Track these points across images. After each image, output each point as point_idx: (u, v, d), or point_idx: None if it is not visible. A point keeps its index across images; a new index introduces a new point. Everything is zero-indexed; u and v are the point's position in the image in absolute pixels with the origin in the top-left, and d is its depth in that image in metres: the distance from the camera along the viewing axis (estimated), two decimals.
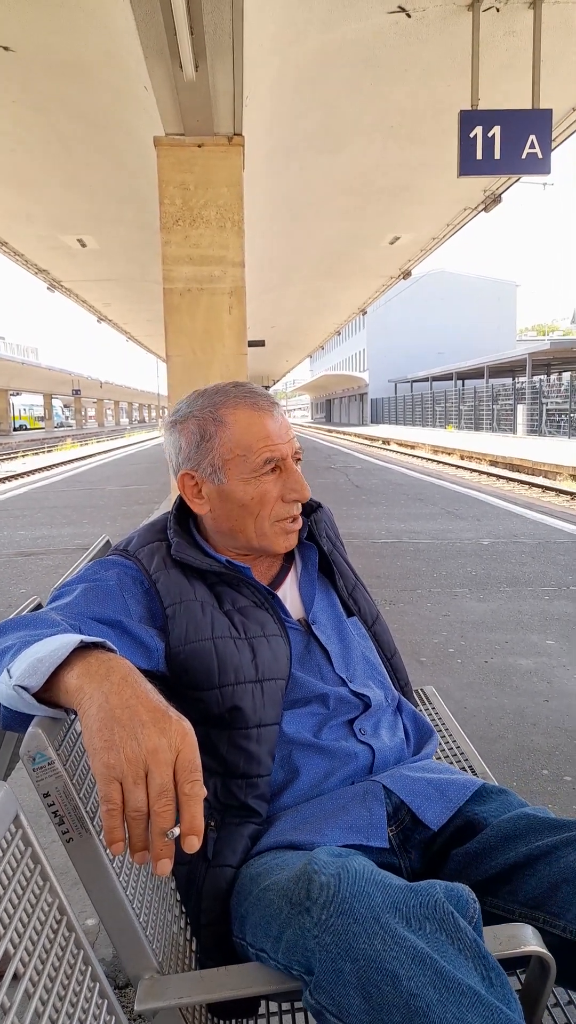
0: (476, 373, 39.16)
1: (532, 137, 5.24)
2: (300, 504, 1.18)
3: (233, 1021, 0.96)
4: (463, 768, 1.47)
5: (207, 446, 1.16)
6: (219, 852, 1.00)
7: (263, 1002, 1.01)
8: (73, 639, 0.83)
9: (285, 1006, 1.03)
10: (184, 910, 0.99)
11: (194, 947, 0.96)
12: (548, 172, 5.36)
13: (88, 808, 0.80)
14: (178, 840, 0.71)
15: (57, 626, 0.93)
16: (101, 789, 0.71)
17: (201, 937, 0.97)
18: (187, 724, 0.76)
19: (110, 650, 0.85)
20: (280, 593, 1.21)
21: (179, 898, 0.99)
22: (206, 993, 0.79)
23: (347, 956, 0.69)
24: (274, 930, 0.81)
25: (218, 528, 1.19)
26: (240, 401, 1.16)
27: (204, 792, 0.73)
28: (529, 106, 5.35)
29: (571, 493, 13.34)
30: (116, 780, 0.70)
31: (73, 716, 0.85)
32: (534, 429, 27.23)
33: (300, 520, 1.20)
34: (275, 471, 1.15)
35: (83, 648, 0.83)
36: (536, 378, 29.89)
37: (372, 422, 59.18)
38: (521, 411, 28.17)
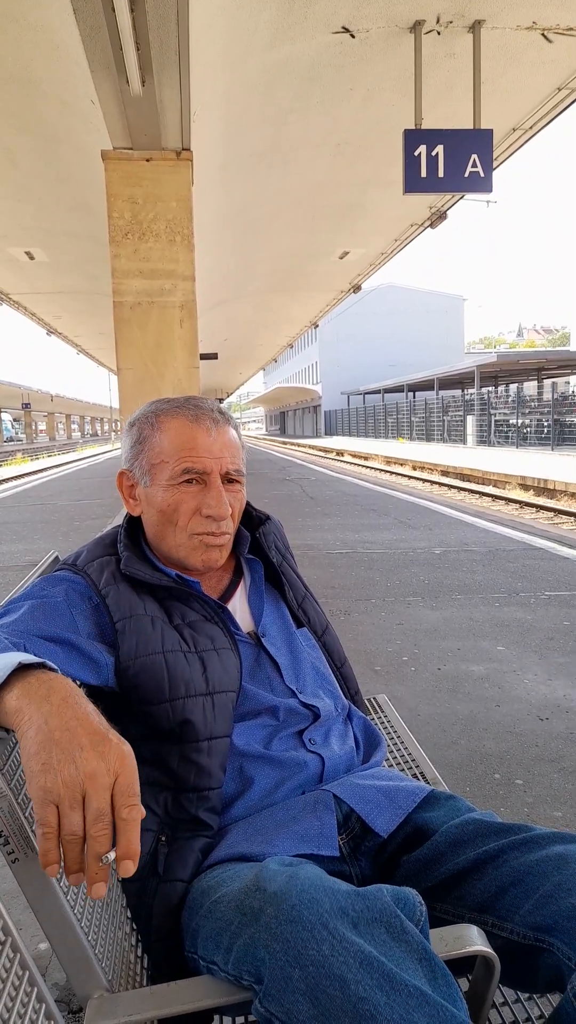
0: (427, 385, 39.84)
1: (474, 156, 5.40)
2: (224, 523, 1.16)
3: None
4: (415, 775, 1.49)
5: (140, 448, 1.19)
6: (170, 867, 0.99)
7: (216, 1017, 1.01)
8: (12, 661, 0.82)
9: (240, 1020, 1.03)
10: (135, 927, 0.98)
11: (146, 964, 0.96)
12: (490, 190, 5.52)
13: (34, 828, 0.79)
14: (113, 864, 0.70)
15: None
16: (37, 812, 0.70)
17: (153, 953, 0.96)
18: (127, 747, 0.76)
19: (52, 670, 0.85)
20: (230, 606, 1.21)
21: (130, 915, 0.99)
22: (156, 1009, 0.78)
23: (296, 963, 0.70)
24: (224, 941, 0.81)
25: (148, 533, 1.21)
26: (180, 411, 1.18)
27: (142, 815, 0.73)
28: (471, 126, 5.51)
29: (519, 502, 13.66)
30: (52, 803, 0.70)
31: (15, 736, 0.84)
32: (483, 440, 27.80)
33: (222, 538, 1.17)
34: (195, 483, 1.15)
35: (25, 668, 0.82)
36: (484, 390, 30.57)
37: (326, 434, 59.62)
38: (471, 422, 28.75)
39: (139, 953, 0.96)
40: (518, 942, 0.86)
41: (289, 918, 0.73)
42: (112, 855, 0.70)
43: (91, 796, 0.71)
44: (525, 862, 0.90)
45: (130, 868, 0.70)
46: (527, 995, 0.99)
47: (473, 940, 0.79)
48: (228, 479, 1.17)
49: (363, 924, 0.72)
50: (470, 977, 0.85)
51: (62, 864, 0.70)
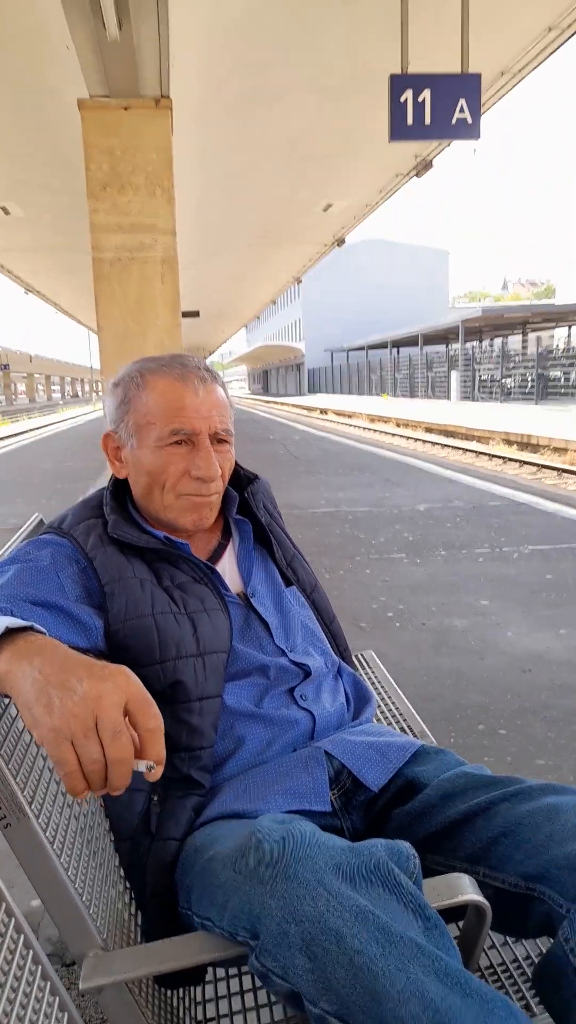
0: (411, 341, 39.48)
1: (462, 101, 5.25)
2: (213, 483, 1.14)
3: (180, 989, 0.97)
4: (403, 729, 1.51)
5: (125, 408, 1.16)
6: (163, 825, 1.00)
7: (209, 969, 1.03)
8: None
9: (232, 971, 1.05)
10: (128, 886, 0.99)
11: (140, 922, 0.97)
12: (478, 137, 5.39)
13: (25, 792, 0.79)
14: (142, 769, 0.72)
15: None
16: (52, 754, 0.69)
17: (147, 911, 0.97)
18: (126, 668, 0.76)
19: (40, 633, 0.84)
20: (219, 567, 1.20)
21: (123, 874, 0.99)
22: (152, 966, 0.79)
23: (292, 919, 0.71)
24: (219, 899, 0.82)
25: (136, 495, 1.19)
26: (167, 370, 1.15)
27: (163, 724, 0.74)
28: (458, 70, 5.34)
29: (503, 457, 13.69)
30: (66, 740, 0.69)
31: (7, 700, 0.83)
32: (467, 395, 27.73)
33: (212, 498, 1.16)
34: (183, 444, 1.12)
35: (12, 632, 0.81)
36: (469, 345, 30.36)
37: (309, 392, 59.19)
38: (455, 378, 28.62)
39: (133, 911, 0.97)
40: (509, 891, 0.88)
41: (284, 875, 0.73)
42: (143, 765, 0.72)
43: (103, 717, 0.70)
44: (517, 813, 0.92)
45: (159, 773, 0.73)
46: (514, 939, 1.02)
47: (465, 889, 0.81)
48: (217, 439, 1.15)
49: (358, 879, 0.73)
50: (461, 925, 0.86)
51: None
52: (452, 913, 0.81)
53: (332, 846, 0.76)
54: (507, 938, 1.02)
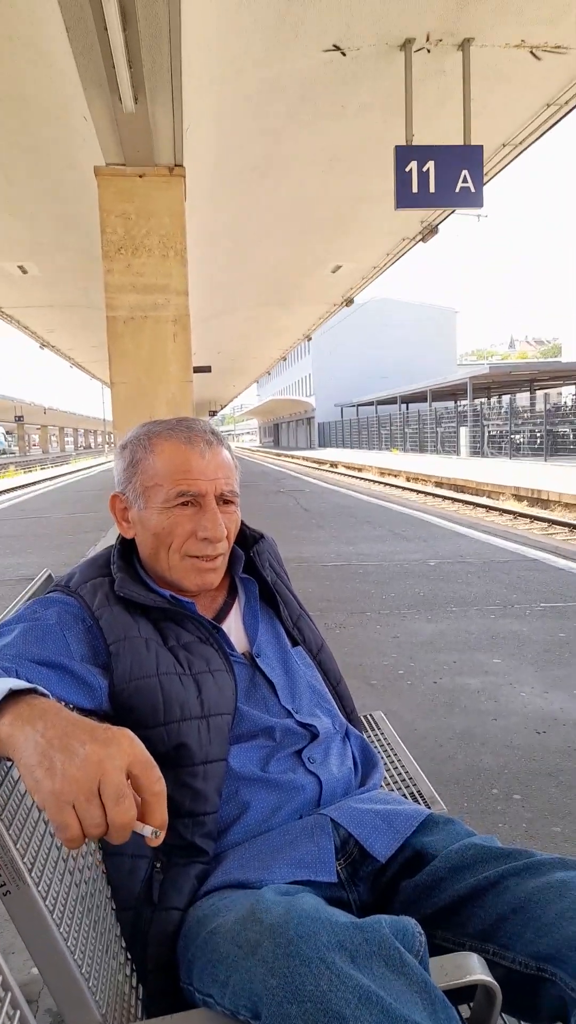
0: (419, 397, 40.00)
1: (465, 172, 5.44)
2: (219, 544, 1.16)
3: None
4: (411, 794, 1.48)
5: (133, 470, 1.18)
6: (165, 894, 0.98)
7: None
8: (2, 688, 0.81)
9: None
10: (130, 956, 0.96)
11: (140, 995, 0.94)
12: (481, 205, 5.57)
13: (25, 860, 0.77)
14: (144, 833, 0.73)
15: None
16: (54, 819, 0.69)
17: (148, 984, 0.94)
18: (129, 731, 0.77)
19: (43, 695, 0.84)
20: (225, 627, 1.20)
21: (124, 944, 0.97)
22: None
23: (294, 999, 0.68)
24: (221, 975, 0.79)
25: (142, 555, 1.20)
26: (173, 433, 1.17)
27: (166, 788, 0.75)
28: (461, 142, 5.56)
29: (513, 512, 13.68)
30: (67, 804, 0.69)
31: (8, 764, 0.83)
32: (477, 451, 27.89)
33: (217, 560, 1.17)
34: (189, 506, 1.14)
35: (15, 694, 0.82)
36: (477, 401, 30.69)
37: (320, 446, 59.72)
38: (464, 433, 28.85)
39: (134, 984, 0.94)
40: (520, 971, 0.85)
41: (286, 952, 0.71)
42: (148, 829, 0.72)
43: (106, 781, 0.70)
44: (527, 889, 0.89)
45: (162, 837, 0.74)
46: (527, 1023, 0.98)
47: (474, 969, 0.78)
48: (223, 500, 1.17)
49: (361, 958, 0.70)
50: (471, 1006, 0.83)
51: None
52: (461, 994, 0.78)
53: (336, 922, 0.74)
54: (520, 1021, 0.98)
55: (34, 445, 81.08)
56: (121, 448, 1.22)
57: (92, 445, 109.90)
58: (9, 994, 0.71)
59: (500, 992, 0.77)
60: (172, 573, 1.16)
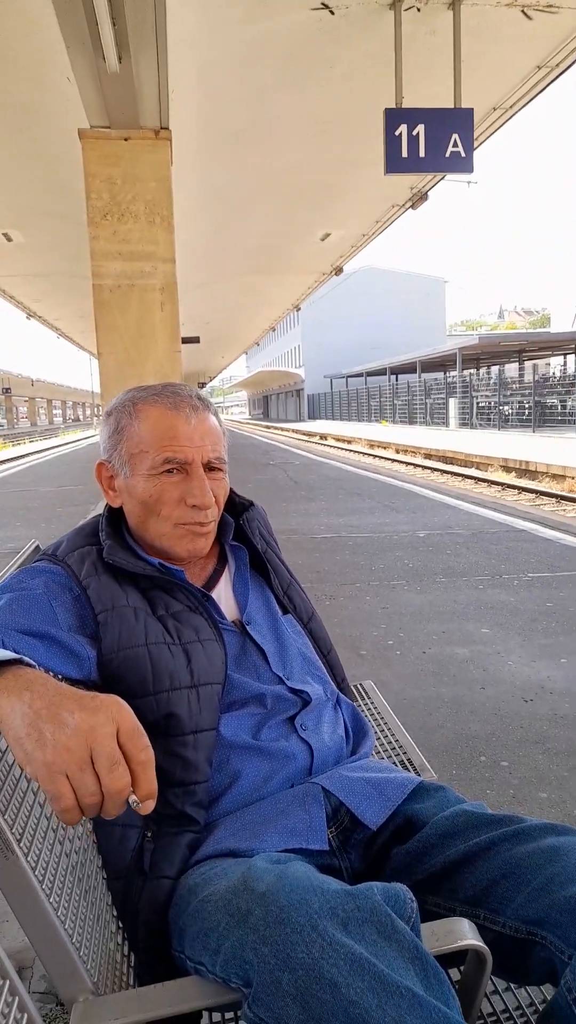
0: (409, 368, 39.77)
1: (455, 136, 5.35)
2: (209, 511, 1.14)
3: None
4: (402, 762, 1.48)
5: (118, 437, 1.16)
6: (156, 864, 0.98)
7: (204, 1014, 0.99)
8: None
9: (229, 1015, 1.02)
10: (121, 926, 0.97)
11: (132, 963, 0.94)
12: (471, 171, 5.48)
13: (14, 830, 0.77)
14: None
15: None
16: (47, 789, 0.69)
17: (139, 953, 0.94)
18: (117, 697, 0.76)
19: (30, 665, 0.83)
20: (215, 594, 1.19)
21: (115, 914, 0.97)
22: (144, 1012, 0.77)
23: (285, 966, 0.68)
24: (212, 943, 0.79)
25: (131, 524, 1.18)
26: (159, 399, 1.15)
27: (153, 755, 0.74)
28: (451, 105, 5.45)
29: (501, 484, 13.72)
30: (60, 774, 0.69)
31: None
32: (465, 422, 27.86)
33: (208, 527, 1.16)
34: (176, 472, 1.12)
35: (1, 665, 0.81)
36: (466, 372, 30.58)
37: (309, 418, 59.48)
38: (453, 405, 28.78)
39: (125, 952, 0.94)
40: (510, 935, 0.86)
41: (278, 920, 0.71)
42: (133, 799, 0.71)
43: (98, 748, 0.71)
44: (517, 854, 0.89)
45: (152, 806, 0.73)
46: (517, 985, 0.99)
47: (465, 934, 0.78)
48: (210, 467, 1.15)
49: (353, 924, 0.70)
50: (462, 969, 0.84)
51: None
52: (452, 958, 0.79)
53: (327, 890, 0.74)
54: (510, 983, 0.99)
55: (22, 418, 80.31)
56: (107, 415, 1.20)
57: (81, 418, 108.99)
58: None
59: (490, 956, 0.78)
60: (162, 541, 1.14)
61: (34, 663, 0.85)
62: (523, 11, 5.34)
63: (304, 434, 37.20)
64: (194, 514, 1.12)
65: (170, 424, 1.12)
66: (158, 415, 1.13)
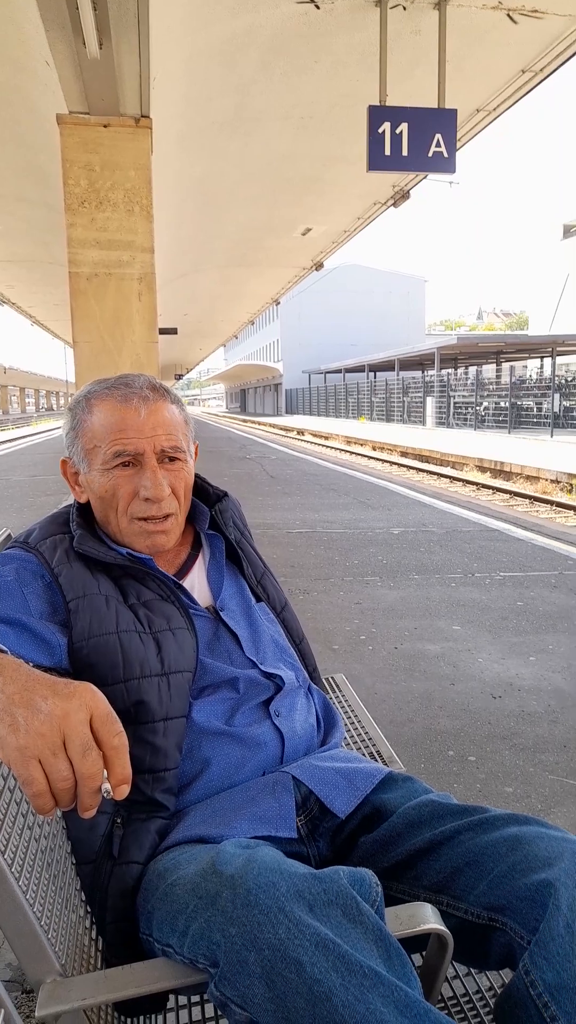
0: (387, 365, 39.89)
1: (438, 136, 5.37)
2: (163, 503, 1.13)
3: (141, 1018, 0.95)
4: (371, 754, 1.50)
5: (75, 434, 1.17)
6: (125, 849, 0.98)
7: (171, 996, 1.00)
8: None
9: (194, 998, 1.03)
10: (89, 910, 0.97)
11: (100, 947, 0.95)
12: (454, 171, 5.51)
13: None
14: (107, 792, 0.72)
15: None
16: (20, 774, 0.69)
17: (107, 936, 0.95)
18: (90, 685, 0.77)
19: (1, 651, 0.83)
20: (187, 582, 1.20)
21: (84, 898, 0.97)
22: (110, 992, 0.78)
23: (252, 946, 0.70)
24: (180, 924, 0.80)
25: (97, 519, 1.18)
26: (110, 392, 1.15)
27: (127, 741, 0.74)
28: (435, 105, 5.47)
29: (476, 483, 13.85)
30: (33, 759, 0.69)
31: None
32: (442, 421, 28.03)
33: (167, 522, 1.14)
34: (129, 466, 1.12)
35: None
36: (444, 372, 30.75)
37: (287, 412, 59.42)
38: (430, 403, 28.93)
39: (93, 936, 0.95)
40: (472, 921, 0.88)
41: (245, 902, 0.72)
42: (107, 786, 0.72)
43: (71, 734, 0.71)
44: (480, 843, 0.91)
45: (126, 791, 0.73)
46: (477, 970, 1.01)
47: (427, 918, 0.80)
48: (166, 457, 1.14)
49: (319, 907, 0.72)
50: (424, 954, 0.86)
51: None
52: (414, 942, 0.81)
53: (294, 873, 0.76)
54: (470, 968, 1.02)
55: None
56: (69, 411, 1.20)
57: (54, 407, 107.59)
58: None
59: (452, 940, 0.80)
60: (123, 537, 1.15)
61: (6, 649, 0.85)
62: (508, 15, 5.38)
63: (282, 429, 37.17)
64: (148, 507, 1.12)
65: (120, 416, 1.12)
66: (108, 408, 1.13)
